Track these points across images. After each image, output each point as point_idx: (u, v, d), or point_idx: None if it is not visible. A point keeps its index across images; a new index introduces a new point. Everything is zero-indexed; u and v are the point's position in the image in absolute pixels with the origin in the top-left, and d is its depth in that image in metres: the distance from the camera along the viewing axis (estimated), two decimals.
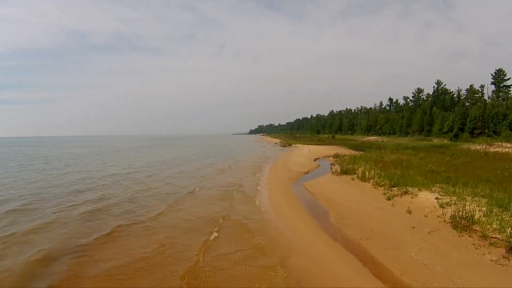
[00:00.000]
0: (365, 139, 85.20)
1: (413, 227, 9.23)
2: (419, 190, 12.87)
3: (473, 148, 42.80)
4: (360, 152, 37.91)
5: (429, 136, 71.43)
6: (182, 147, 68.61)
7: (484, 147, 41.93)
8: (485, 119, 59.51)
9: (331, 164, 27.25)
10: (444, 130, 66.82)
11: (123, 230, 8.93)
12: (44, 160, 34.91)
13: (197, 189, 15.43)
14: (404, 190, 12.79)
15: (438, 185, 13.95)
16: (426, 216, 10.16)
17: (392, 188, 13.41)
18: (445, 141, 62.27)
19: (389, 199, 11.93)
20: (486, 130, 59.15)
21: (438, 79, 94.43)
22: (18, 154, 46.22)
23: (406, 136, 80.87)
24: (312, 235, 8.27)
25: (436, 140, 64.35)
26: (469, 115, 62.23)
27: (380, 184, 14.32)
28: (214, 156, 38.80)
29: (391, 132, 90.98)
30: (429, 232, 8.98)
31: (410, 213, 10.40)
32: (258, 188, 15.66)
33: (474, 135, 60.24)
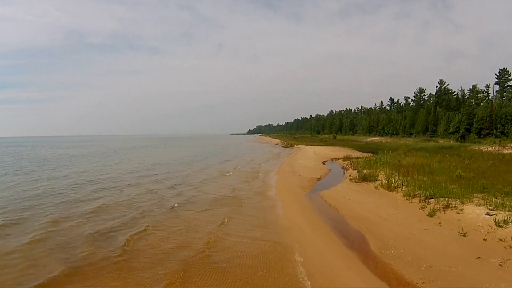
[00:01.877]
0: (369, 139, 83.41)
1: (479, 257, 7.28)
2: (462, 202, 10.94)
3: (485, 149, 41.06)
4: (369, 154, 36.05)
5: (434, 136, 69.67)
6: (189, 147, 66.07)
7: (496, 148, 40.22)
8: (493, 119, 57.84)
9: (343, 168, 25.32)
10: (450, 130, 65.10)
11: (188, 273, 6.60)
12: (48, 162, 32.31)
13: (243, 200, 13.38)
14: (445, 203, 10.83)
15: (478, 195, 12.05)
16: (486, 240, 8.22)
17: (429, 200, 11.44)
18: (451, 142, 60.51)
19: (431, 216, 9.96)
20: (494, 131, 57.48)
21: (440, 78, 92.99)
22: (15, 155, 43.67)
23: (409, 136, 79.11)
24: (355, 276, 6.24)
25: (442, 141, 62.58)
26: (476, 115, 60.53)
27: (412, 195, 12.36)
28: (231, 159, 36.11)
29: (394, 133, 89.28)
30: (500, 264, 7.04)
31: (465, 236, 8.44)
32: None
33: (481, 136, 58.56)
